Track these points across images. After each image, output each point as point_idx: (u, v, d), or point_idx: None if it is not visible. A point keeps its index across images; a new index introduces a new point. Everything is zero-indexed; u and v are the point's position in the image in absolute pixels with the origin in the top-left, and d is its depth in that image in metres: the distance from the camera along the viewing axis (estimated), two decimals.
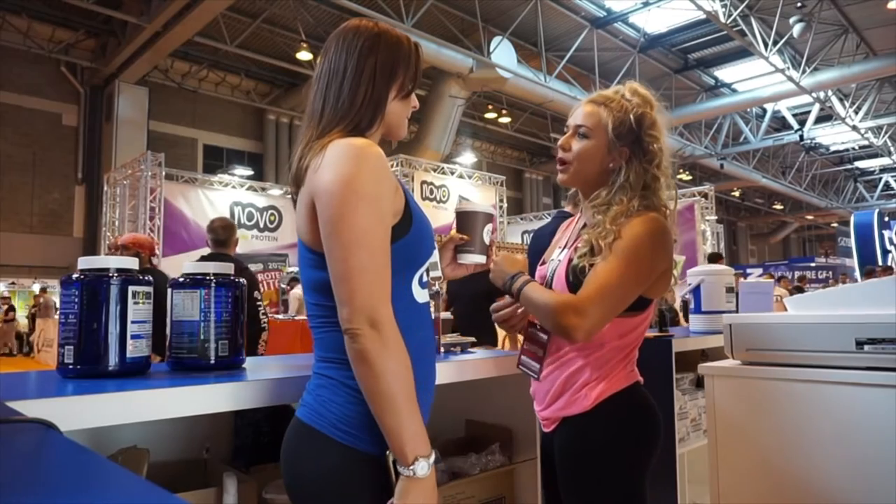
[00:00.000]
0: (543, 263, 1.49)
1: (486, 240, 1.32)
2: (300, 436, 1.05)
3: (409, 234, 1.05)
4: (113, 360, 1.15)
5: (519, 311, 1.41)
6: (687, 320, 2.63)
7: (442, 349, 1.68)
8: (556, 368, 1.34)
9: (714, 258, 8.16)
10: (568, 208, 2.71)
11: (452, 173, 11.81)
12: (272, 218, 11.05)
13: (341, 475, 1.01)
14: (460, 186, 11.67)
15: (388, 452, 1.00)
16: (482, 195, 11.93)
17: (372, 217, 0.98)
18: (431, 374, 1.13)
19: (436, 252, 1.19)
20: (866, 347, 1.32)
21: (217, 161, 13.63)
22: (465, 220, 1.32)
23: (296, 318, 6.67)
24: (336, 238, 0.97)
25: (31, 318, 12.08)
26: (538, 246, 2.58)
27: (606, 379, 1.31)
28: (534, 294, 1.30)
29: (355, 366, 0.97)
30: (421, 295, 1.10)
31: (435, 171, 11.41)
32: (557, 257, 1.42)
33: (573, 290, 1.30)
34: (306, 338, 5.92)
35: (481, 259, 1.32)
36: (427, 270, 1.13)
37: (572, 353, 1.33)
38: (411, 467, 0.95)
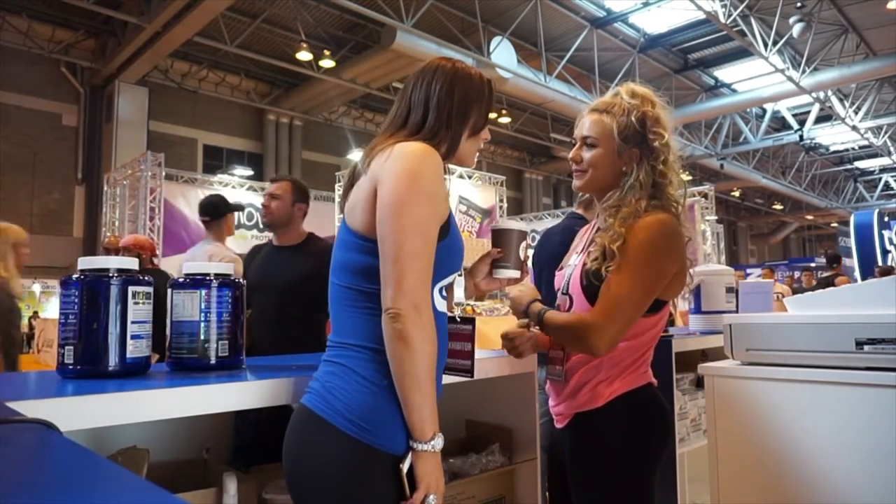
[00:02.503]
0: (561, 269, 1.52)
1: (521, 255, 1.37)
2: (306, 425, 1.06)
3: (445, 241, 1.10)
4: (113, 360, 1.15)
5: (526, 337, 1.47)
6: None
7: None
8: (573, 366, 1.39)
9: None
10: (579, 210, 2.69)
11: (452, 173, 11.79)
12: None
13: (348, 469, 1.02)
14: (460, 186, 11.66)
15: (401, 465, 1.02)
16: (482, 195, 11.92)
17: (429, 209, 1.05)
18: (439, 381, 1.15)
19: (459, 278, 1.23)
20: (866, 348, 1.32)
21: (217, 161, 13.62)
22: (502, 237, 1.36)
23: None
24: (395, 222, 1.03)
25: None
26: (547, 245, 2.57)
27: (620, 378, 1.35)
28: (554, 319, 1.36)
29: (393, 344, 1.01)
30: (441, 304, 1.14)
31: None
32: (573, 263, 1.47)
33: (587, 292, 1.35)
34: None
35: (516, 274, 1.36)
36: (450, 286, 1.18)
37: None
38: (431, 442, 1.03)
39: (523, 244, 1.37)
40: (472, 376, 1.29)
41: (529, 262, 1.54)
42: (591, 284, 1.34)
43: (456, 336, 1.28)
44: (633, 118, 1.38)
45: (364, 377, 1.04)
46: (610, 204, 1.39)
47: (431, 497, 1.02)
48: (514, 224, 1.38)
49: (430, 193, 1.06)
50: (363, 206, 1.09)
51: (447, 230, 1.11)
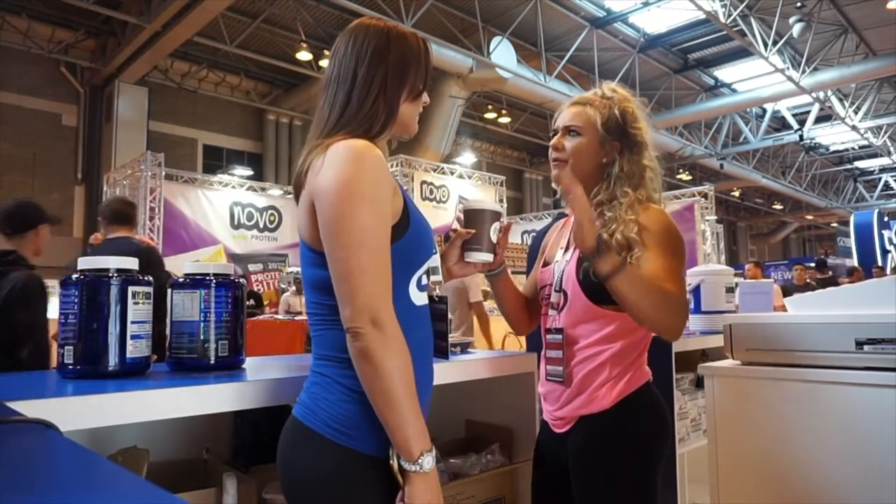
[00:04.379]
0: (547, 266, 1.49)
1: (494, 238, 1.31)
2: (295, 434, 1.06)
3: (406, 236, 1.06)
4: (113, 360, 1.15)
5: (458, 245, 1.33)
6: None
7: (452, 350, 1.66)
8: (574, 367, 1.36)
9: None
10: (567, 210, 2.70)
11: (452, 173, 11.80)
12: (272, 218, 11.04)
13: (335, 474, 1.02)
14: (460, 186, 11.67)
15: (391, 453, 1.01)
16: (482, 195, 11.92)
17: (372, 217, 0.99)
18: (429, 375, 1.14)
19: (436, 256, 1.18)
20: (866, 347, 1.32)
21: (217, 161, 13.62)
22: (472, 217, 1.31)
23: (296, 318, 6.67)
24: (336, 238, 0.98)
25: None
26: (536, 245, 2.58)
27: (625, 377, 1.33)
28: (639, 274, 1.23)
29: (358, 364, 0.97)
30: (418, 297, 1.10)
31: (435, 171, 11.41)
32: (563, 258, 1.43)
33: (586, 289, 1.33)
34: (306, 338, 5.91)
35: (489, 258, 1.32)
36: (427, 273, 1.13)
37: (590, 351, 1.34)
38: (418, 462, 0.97)
39: (496, 225, 1.31)
40: (446, 358, 1.30)
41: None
42: (588, 280, 1.30)
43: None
44: (615, 111, 1.40)
45: (346, 386, 1.02)
46: (603, 199, 1.39)
47: None
48: (487, 204, 1.32)
49: (371, 198, 0.99)
50: (307, 220, 1.04)
51: (405, 223, 1.06)
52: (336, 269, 0.99)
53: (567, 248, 1.45)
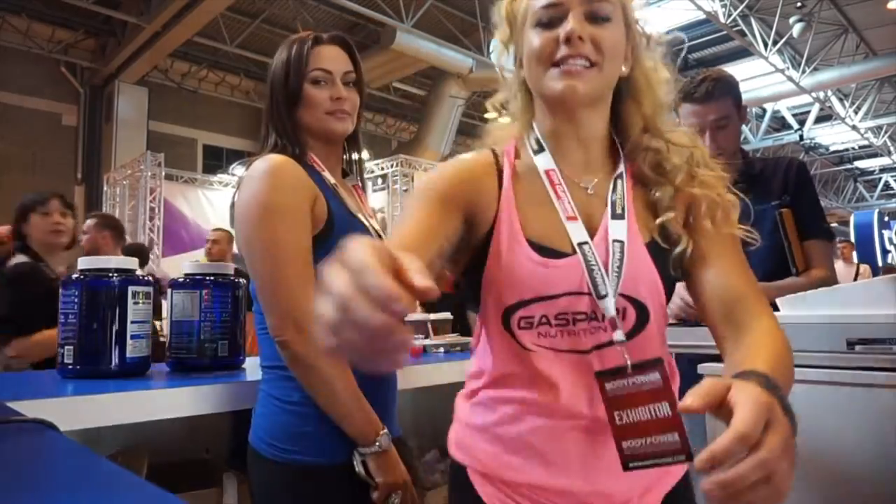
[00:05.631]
0: (557, 258, 0.83)
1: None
2: (249, 459, 1.08)
3: (329, 241, 1.06)
4: (113, 360, 1.15)
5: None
6: None
7: (451, 350, 1.65)
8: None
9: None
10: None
11: None
12: None
13: (283, 492, 1.03)
14: None
15: (356, 461, 1.01)
16: None
17: (284, 228, 1.01)
18: (379, 384, 1.09)
19: None
20: (866, 348, 1.32)
21: (217, 161, 13.61)
22: None
23: None
24: (252, 251, 1.02)
25: None
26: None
27: None
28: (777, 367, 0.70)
29: (293, 371, 1.00)
30: None
31: None
32: (606, 237, 0.82)
33: (668, 284, 0.84)
34: None
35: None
36: None
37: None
38: (377, 443, 1.01)
39: None
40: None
41: None
42: (663, 257, 0.82)
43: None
44: None
45: (276, 397, 1.04)
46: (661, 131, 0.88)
47: (393, 496, 1.01)
48: None
49: (281, 209, 1.01)
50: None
51: (330, 229, 1.06)
52: (257, 282, 1.02)
53: (616, 217, 0.83)
